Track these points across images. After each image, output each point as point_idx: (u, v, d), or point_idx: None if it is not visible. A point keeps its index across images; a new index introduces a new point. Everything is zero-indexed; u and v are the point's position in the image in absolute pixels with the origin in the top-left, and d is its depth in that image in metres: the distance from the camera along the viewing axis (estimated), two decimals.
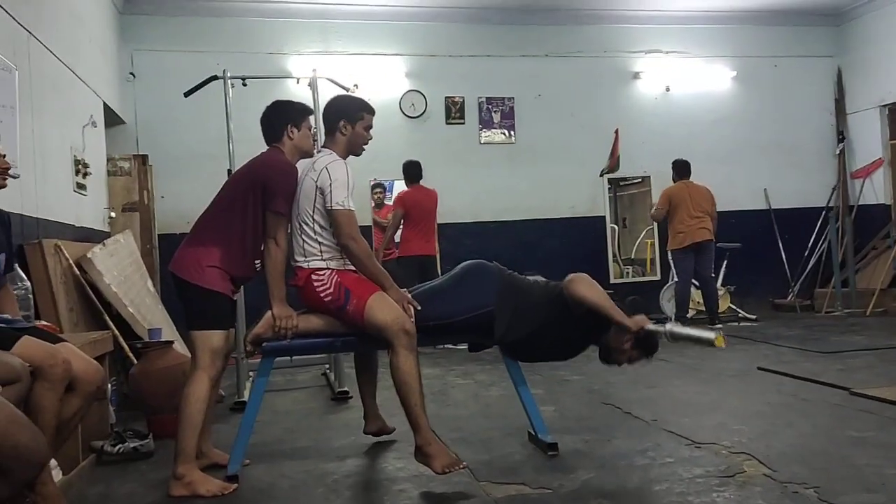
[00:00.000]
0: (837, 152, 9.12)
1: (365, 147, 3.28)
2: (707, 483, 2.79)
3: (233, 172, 3.28)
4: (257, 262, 3.13)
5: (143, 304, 4.86)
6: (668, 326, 3.15)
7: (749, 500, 2.61)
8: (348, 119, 3.19)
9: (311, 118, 3.30)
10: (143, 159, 6.36)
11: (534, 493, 2.79)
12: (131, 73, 7.42)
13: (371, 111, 3.26)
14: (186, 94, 5.31)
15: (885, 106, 8.71)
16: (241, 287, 3.22)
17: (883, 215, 8.74)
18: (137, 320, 4.51)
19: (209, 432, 3.30)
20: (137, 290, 4.96)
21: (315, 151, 3.24)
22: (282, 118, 3.20)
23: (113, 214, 5.94)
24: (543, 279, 3.48)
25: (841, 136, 9.11)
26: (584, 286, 3.15)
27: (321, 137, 3.40)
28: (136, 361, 4.16)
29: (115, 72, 7.02)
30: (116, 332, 4.33)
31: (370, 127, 3.25)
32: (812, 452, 3.12)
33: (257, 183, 3.07)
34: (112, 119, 6.89)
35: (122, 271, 4.85)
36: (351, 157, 3.26)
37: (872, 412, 3.70)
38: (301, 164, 3.19)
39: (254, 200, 3.06)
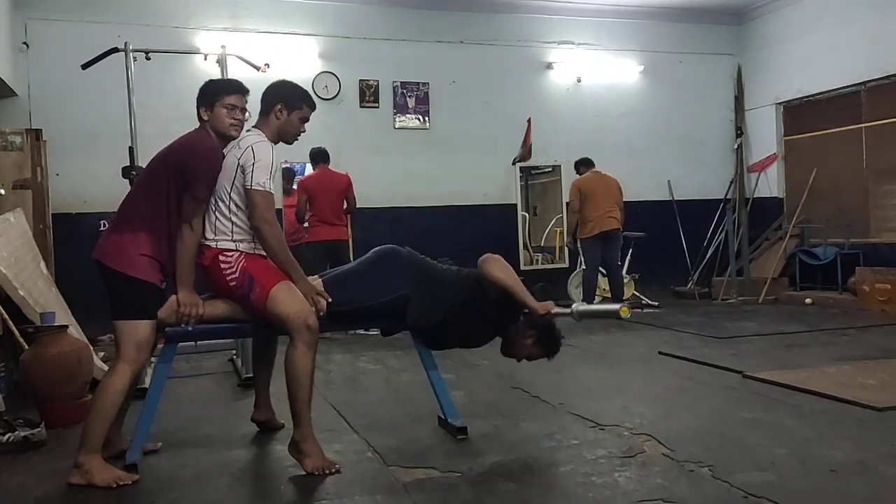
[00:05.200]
0: (735, 147, 9.54)
1: (297, 138, 3.21)
2: (609, 464, 2.88)
3: (155, 153, 3.11)
4: None
5: (36, 287, 4.61)
6: (575, 306, 3.24)
7: (648, 479, 2.71)
8: (286, 104, 3.10)
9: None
10: (36, 134, 5.99)
11: (442, 476, 2.81)
12: (25, 43, 6.99)
13: (312, 105, 3.18)
14: (84, 67, 5.05)
15: (780, 103, 9.17)
16: (168, 276, 3.06)
17: (776, 208, 9.23)
18: (29, 304, 4.27)
19: (121, 422, 3.15)
20: (29, 273, 4.69)
21: (245, 131, 3.12)
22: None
23: (2, 192, 5.58)
24: (456, 267, 3.49)
25: (739, 131, 9.53)
26: (498, 267, 3.19)
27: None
28: (27, 347, 3.94)
29: (6, 41, 6.59)
30: (6, 315, 4.10)
31: (306, 120, 3.17)
32: (708, 433, 3.27)
33: (177, 164, 2.95)
34: (3, 91, 6.49)
35: (13, 252, 4.57)
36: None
37: (763, 394, 3.91)
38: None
39: (174, 182, 2.94)
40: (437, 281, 3.27)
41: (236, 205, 2.99)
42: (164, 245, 2.95)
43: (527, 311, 3.19)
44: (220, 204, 3.00)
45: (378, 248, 3.37)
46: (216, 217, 3.00)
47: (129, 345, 2.86)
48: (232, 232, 3.00)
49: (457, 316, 3.23)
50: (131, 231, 2.92)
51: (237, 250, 3.00)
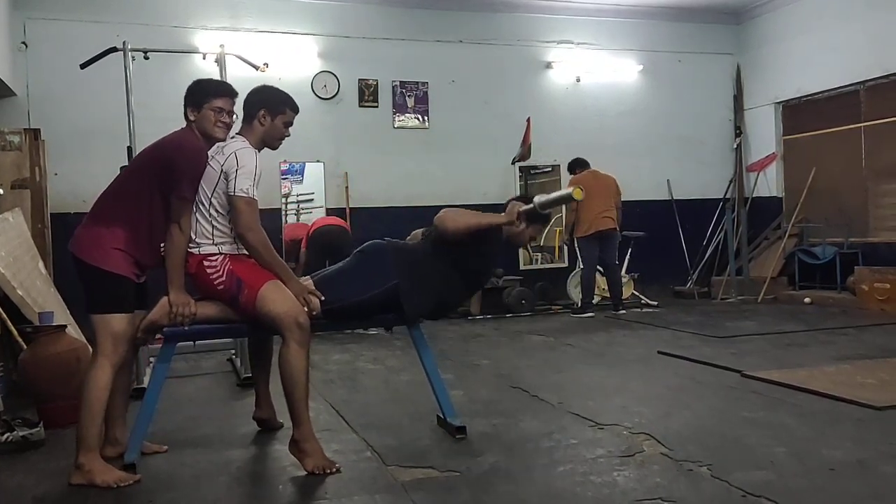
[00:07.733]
0: (735, 146, 9.54)
1: (281, 142, 3.21)
2: (608, 463, 2.88)
3: (140, 150, 3.11)
4: (163, 244, 3.00)
5: (34, 287, 4.61)
6: (536, 199, 3.31)
7: (647, 478, 2.70)
8: (269, 110, 3.10)
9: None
10: (35, 134, 5.99)
11: (441, 476, 2.80)
12: (23, 43, 6.98)
13: (295, 108, 3.18)
14: (83, 66, 5.05)
15: (779, 103, 9.17)
16: (146, 271, 3.05)
17: (775, 207, 9.22)
18: (27, 303, 4.27)
19: (124, 419, 3.15)
20: (28, 272, 4.69)
21: (229, 137, 3.11)
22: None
23: (1, 191, 5.58)
24: (422, 231, 3.53)
25: (738, 130, 9.53)
26: (450, 220, 3.24)
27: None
28: (25, 346, 3.94)
29: (5, 40, 6.59)
30: (4, 315, 4.09)
31: (290, 124, 3.17)
32: (707, 432, 3.26)
33: (164, 162, 2.94)
34: (1, 90, 6.48)
35: (11, 252, 4.57)
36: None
37: (762, 393, 3.91)
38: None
39: (158, 179, 2.93)
40: (419, 262, 3.29)
41: (216, 210, 2.99)
42: (143, 241, 2.93)
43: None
44: (201, 208, 3.00)
45: (362, 245, 3.40)
46: (196, 221, 3.00)
47: (105, 339, 2.85)
48: (213, 235, 3.00)
49: (448, 282, 3.29)
50: (107, 225, 2.90)
51: (220, 253, 3.00)
